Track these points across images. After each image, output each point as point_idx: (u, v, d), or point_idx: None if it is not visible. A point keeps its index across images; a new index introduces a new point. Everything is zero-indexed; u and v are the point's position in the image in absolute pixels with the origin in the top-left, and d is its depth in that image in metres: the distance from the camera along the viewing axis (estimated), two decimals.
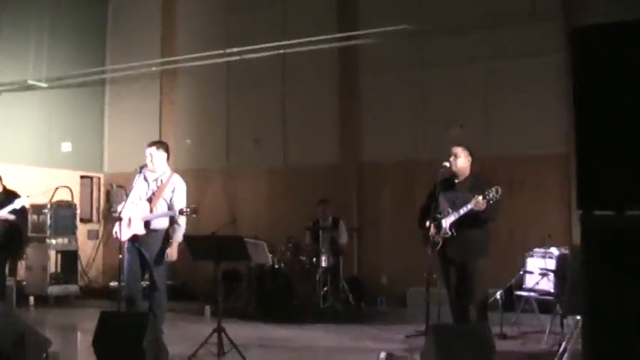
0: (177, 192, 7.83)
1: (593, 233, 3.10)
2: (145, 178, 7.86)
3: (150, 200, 7.73)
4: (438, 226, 7.29)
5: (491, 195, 6.87)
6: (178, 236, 7.72)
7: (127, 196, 7.85)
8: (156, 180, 7.86)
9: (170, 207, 7.75)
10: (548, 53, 11.34)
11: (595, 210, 3.12)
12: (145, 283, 8.21)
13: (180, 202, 7.78)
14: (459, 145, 7.49)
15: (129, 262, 7.67)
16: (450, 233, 7.21)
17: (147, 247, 7.64)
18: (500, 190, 6.91)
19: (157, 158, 7.84)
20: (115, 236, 7.71)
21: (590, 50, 3.17)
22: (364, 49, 12.44)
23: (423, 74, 12.34)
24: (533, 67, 11.47)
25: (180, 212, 7.61)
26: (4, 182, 9.89)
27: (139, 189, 7.82)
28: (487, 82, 11.83)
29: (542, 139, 11.29)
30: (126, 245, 7.68)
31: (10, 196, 9.47)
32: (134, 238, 7.65)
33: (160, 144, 8.11)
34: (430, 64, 12.26)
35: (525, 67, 11.51)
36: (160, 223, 7.73)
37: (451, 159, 7.38)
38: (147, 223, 7.64)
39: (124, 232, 7.60)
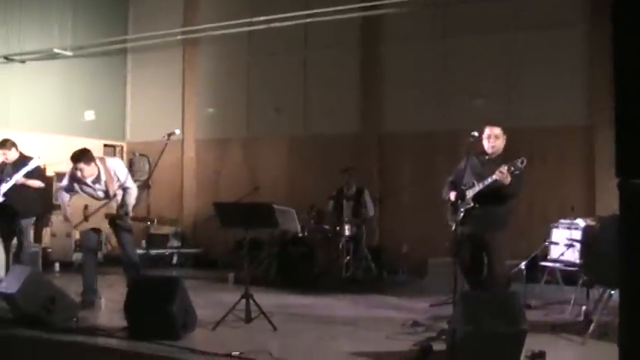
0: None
1: (632, 201, 3.00)
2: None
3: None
4: (462, 197, 7.26)
5: (516, 165, 6.83)
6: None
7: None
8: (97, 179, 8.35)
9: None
10: (571, 24, 11.29)
11: (634, 178, 3.04)
12: None
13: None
14: (497, 125, 7.34)
15: None
16: (472, 204, 7.18)
17: None
18: (525, 161, 6.86)
19: (87, 171, 8.24)
20: None
21: (632, 11, 3.07)
22: (387, 19, 12.39)
23: (445, 44, 12.30)
24: (557, 38, 11.41)
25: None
26: (21, 149, 9.97)
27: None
28: (510, 52, 11.78)
29: (565, 111, 11.27)
30: None
31: (25, 159, 9.55)
32: None
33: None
34: (453, 34, 12.21)
35: (549, 38, 11.45)
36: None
37: (490, 140, 7.26)
38: None
39: None
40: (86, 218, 8.29)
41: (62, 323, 6.97)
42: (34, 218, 9.99)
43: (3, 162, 9.75)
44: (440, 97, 12.28)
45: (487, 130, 7.27)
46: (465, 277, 7.39)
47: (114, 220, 8.30)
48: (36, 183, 9.32)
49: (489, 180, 6.98)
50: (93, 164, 8.27)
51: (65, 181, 8.54)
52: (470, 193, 7.18)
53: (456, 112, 11.90)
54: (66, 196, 8.43)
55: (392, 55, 12.79)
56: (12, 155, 9.66)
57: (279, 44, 13.40)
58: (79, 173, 8.23)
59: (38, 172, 9.41)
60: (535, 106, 11.45)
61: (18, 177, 9.33)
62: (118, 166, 8.55)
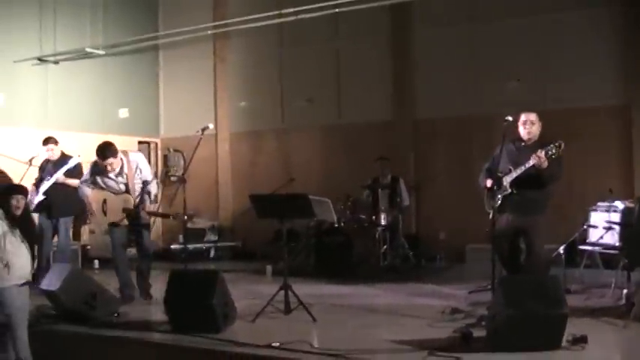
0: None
1: None
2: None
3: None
4: (499, 184, 7.21)
5: (553, 150, 6.78)
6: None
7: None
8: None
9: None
10: (604, 4, 11.13)
11: None
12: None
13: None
14: (533, 112, 7.30)
15: None
16: (510, 191, 7.13)
17: None
18: (562, 145, 6.80)
19: (114, 164, 8.39)
20: None
21: None
22: (417, 5, 12.27)
23: (476, 28, 12.19)
24: (590, 18, 11.27)
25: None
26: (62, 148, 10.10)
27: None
28: (542, 34, 11.62)
29: (601, 91, 11.13)
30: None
31: (66, 158, 9.67)
32: None
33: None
34: (483, 18, 12.10)
35: (581, 18, 11.31)
36: None
37: (526, 126, 7.21)
38: None
39: None
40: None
41: (104, 318, 7.09)
42: (73, 217, 10.10)
43: (46, 159, 9.91)
44: (473, 82, 12.17)
45: (523, 117, 7.24)
46: (503, 266, 7.35)
47: (131, 215, 8.38)
48: (75, 182, 9.40)
49: (526, 165, 6.94)
50: (118, 157, 8.40)
51: (87, 175, 8.68)
52: (507, 180, 7.14)
53: (490, 96, 11.80)
54: (88, 190, 8.57)
55: (423, 41, 12.70)
56: (56, 152, 9.83)
57: (309, 34, 13.37)
58: (104, 166, 8.33)
59: (78, 171, 9.50)
60: (570, 87, 11.31)
61: (58, 175, 9.46)
62: (140, 160, 8.71)
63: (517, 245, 7.34)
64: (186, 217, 8.23)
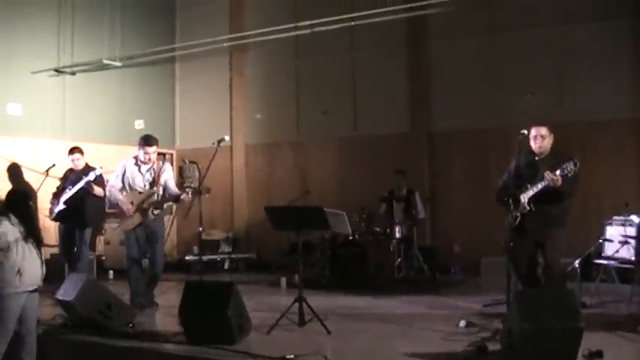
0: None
1: None
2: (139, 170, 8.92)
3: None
4: (516, 201, 7.19)
5: (568, 169, 6.75)
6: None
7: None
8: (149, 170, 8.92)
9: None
10: (619, 17, 11.10)
11: None
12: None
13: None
14: (543, 125, 7.23)
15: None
16: (528, 208, 7.10)
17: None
18: (578, 164, 6.78)
19: (152, 155, 8.88)
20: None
21: None
22: (432, 17, 12.26)
23: (491, 41, 12.19)
24: (605, 31, 11.24)
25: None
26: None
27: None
28: (558, 47, 11.60)
29: (616, 104, 11.07)
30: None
31: (89, 169, 9.73)
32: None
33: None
34: (499, 30, 12.09)
35: (597, 31, 11.28)
36: None
37: (537, 140, 7.20)
38: None
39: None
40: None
41: (119, 328, 7.10)
42: (92, 227, 10.19)
43: (70, 169, 10.00)
44: (488, 95, 12.17)
45: (533, 131, 7.22)
46: (519, 279, 7.31)
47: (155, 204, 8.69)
48: (100, 191, 9.47)
49: (540, 186, 6.93)
50: (156, 150, 8.89)
51: (114, 179, 8.92)
52: (524, 197, 7.11)
53: (506, 109, 11.78)
54: (119, 195, 8.80)
55: (438, 54, 12.72)
56: (81, 163, 9.92)
57: (325, 47, 13.41)
58: (141, 156, 8.80)
59: (101, 182, 9.57)
60: (585, 99, 11.26)
61: (79, 186, 9.51)
62: (167, 168, 9.13)
63: (535, 259, 7.31)
64: (201, 193, 8.52)
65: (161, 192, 8.82)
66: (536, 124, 7.24)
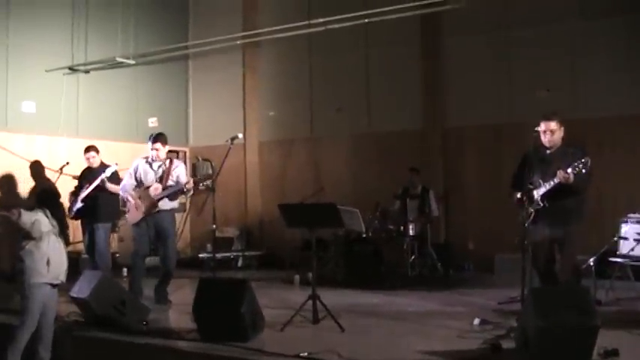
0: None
1: None
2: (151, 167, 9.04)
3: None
4: (530, 197, 7.15)
5: (580, 166, 6.71)
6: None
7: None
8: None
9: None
10: (635, 12, 11.00)
11: None
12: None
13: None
14: (553, 119, 7.16)
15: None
16: (542, 205, 7.06)
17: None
18: (589, 162, 6.73)
19: (162, 152, 8.98)
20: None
21: None
22: (446, 14, 12.21)
23: (506, 36, 12.14)
24: (621, 27, 11.17)
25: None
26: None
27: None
28: (573, 42, 11.55)
29: (633, 99, 10.97)
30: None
31: (104, 167, 9.80)
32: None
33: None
34: (514, 26, 12.04)
35: (612, 27, 11.21)
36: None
37: (546, 135, 7.16)
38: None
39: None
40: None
41: (133, 325, 7.11)
42: (111, 224, 10.28)
43: (87, 167, 10.08)
44: (503, 90, 12.13)
45: (542, 126, 7.17)
46: (539, 275, 7.27)
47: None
48: (116, 187, 9.54)
49: (552, 183, 6.89)
50: (166, 148, 8.99)
51: (127, 179, 9.07)
52: (538, 194, 7.07)
53: (520, 105, 11.73)
54: (131, 190, 8.95)
55: (453, 50, 12.69)
56: (97, 161, 9.98)
57: (339, 43, 13.40)
58: (152, 154, 8.90)
59: (116, 178, 9.66)
60: (601, 95, 11.19)
61: (96, 183, 9.58)
62: (181, 167, 9.17)
63: (552, 255, 7.26)
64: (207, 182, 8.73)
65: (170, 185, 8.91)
66: (545, 118, 7.19)
